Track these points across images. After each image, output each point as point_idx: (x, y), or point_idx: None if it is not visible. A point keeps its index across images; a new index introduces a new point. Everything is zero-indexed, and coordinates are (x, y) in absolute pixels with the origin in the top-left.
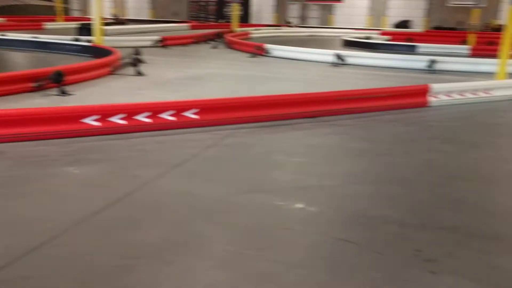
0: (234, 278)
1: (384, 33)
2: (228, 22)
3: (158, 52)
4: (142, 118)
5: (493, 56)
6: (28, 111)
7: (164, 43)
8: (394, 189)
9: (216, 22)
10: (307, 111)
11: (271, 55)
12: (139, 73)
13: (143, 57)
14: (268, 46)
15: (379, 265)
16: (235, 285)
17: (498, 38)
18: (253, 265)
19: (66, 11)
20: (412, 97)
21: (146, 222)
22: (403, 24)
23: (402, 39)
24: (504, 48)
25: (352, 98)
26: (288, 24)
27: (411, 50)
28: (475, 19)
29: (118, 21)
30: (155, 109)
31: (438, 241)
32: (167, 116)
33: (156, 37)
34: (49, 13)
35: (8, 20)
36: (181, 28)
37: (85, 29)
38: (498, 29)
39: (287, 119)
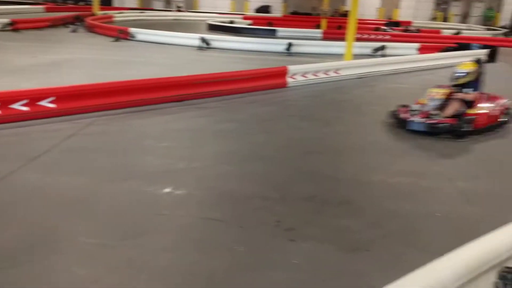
0: (97, 271)
1: (246, 18)
2: (89, 4)
3: (8, 37)
4: None
5: (342, 39)
6: None
7: (15, 26)
8: (257, 167)
9: (75, 4)
10: (174, 95)
11: (135, 39)
12: None
13: None
14: (133, 30)
15: (244, 239)
16: (98, 278)
17: (346, 23)
18: (118, 255)
19: None
20: (272, 79)
21: None
22: (264, 9)
23: (263, 23)
24: (349, 32)
25: (217, 81)
26: (179, 9)
27: (271, 34)
28: (326, 5)
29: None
30: (3, 99)
31: (296, 211)
32: (19, 106)
33: (5, 20)
34: None
35: None
36: (35, 10)
37: None
38: (345, 14)
39: (153, 104)
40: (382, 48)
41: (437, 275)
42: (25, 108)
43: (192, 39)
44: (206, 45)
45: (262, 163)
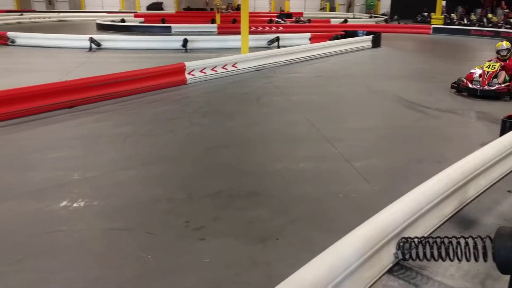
0: None
1: (137, 16)
2: None
3: None
4: None
5: (237, 33)
6: None
7: None
8: (161, 168)
9: None
10: (63, 101)
11: (16, 44)
12: None
13: None
14: (11, 33)
15: (152, 245)
16: None
17: (240, 16)
18: (8, 281)
19: None
20: (170, 76)
21: None
22: (155, 6)
23: (156, 20)
24: (243, 25)
25: (112, 82)
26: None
27: (165, 31)
28: (219, 0)
29: None
30: None
31: (204, 209)
32: None
33: None
34: None
35: None
36: None
37: None
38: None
39: (40, 113)
40: (277, 39)
41: (341, 254)
42: None
43: (80, 40)
44: (96, 46)
45: (164, 164)
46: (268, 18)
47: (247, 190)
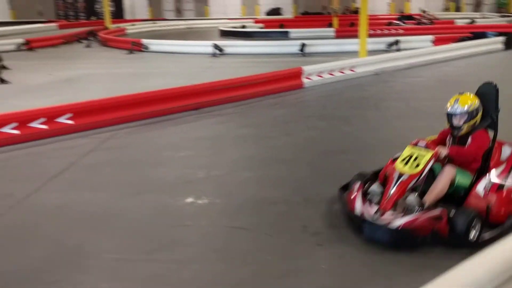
0: (124, 286)
1: (257, 21)
2: (101, 19)
3: (24, 56)
4: (8, 130)
5: (355, 36)
6: None
7: (29, 45)
8: (278, 170)
9: (87, 19)
10: (190, 103)
11: (149, 50)
12: (2, 81)
13: (6, 62)
14: (146, 41)
15: (270, 247)
16: None
17: (358, 19)
18: (143, 270)
19: None
20: (288, 80)
21: (22, 244)
22: (274, 11)
23: (275, 25)
24: (361, 28)
25: (233, 86)
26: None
27: (283, 35)
28: (336, 4)
29: None
30: (22, 119)
31: (321, 214)
32: (37, 124)
33: (19, 40)
34: None
35: None
36: (48, 29)
37: None
38: (357, 11)
39: (169, 114)
40: (396, 42)
41: (472, 274)
42: (43, 126)
43: (205, 46)
44: (219, 51)
45: (283, 167)
46: (387, 21)
47: None
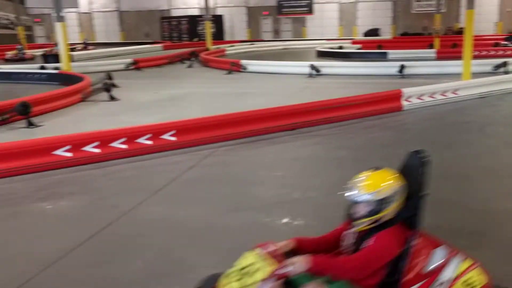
0: None
1: (355, 42)
2: (202, 40)
3: (132, 75)
4: (118, 144)
5: (458, 57)
6: None
7: (137, 65)
8: None
9: (190, 41)
10: (286, 123)
11: (247, 70)
12: (112, 98)
13: (116, 81)
14: (244, 61)
15: None
16: None
17: (461, 40)
18: None
19: (31, 38)
20: (386, 102)
21: (127, 254)
22: (372, 32)
23: (373, 47)
24: (466, 49)
25: (330, 107)
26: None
27: (381, 56)
28: (438, 24)
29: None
30: (130, 134)
31: None
32: (143, 140)
33: (128, 60)
34: (12, 41)
35: None
36: (154, 49)
37: (51, 56)
38: (460, 32)
39: (266, 134)
40: (504, 64)
41: None
42: (149, 142)
43: (301, 67)
44: (316, 72)
45: None
46: (494, 41)
47: (470, 228)
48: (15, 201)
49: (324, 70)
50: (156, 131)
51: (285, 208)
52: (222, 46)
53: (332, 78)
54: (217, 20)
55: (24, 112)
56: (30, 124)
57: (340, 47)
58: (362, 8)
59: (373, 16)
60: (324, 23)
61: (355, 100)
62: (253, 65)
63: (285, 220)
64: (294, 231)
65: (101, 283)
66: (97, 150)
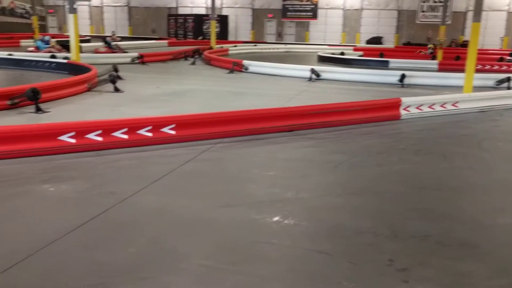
0: None
1: (356, 49)
2: (206, 39)
3: (137, 69)
4: (119, 134)
5: (460, 70)
6: (3, 129)
7: (142, 59)
8: (368, 201)
9: (194, 39)
10: (284, 125)
11: (248, 71)
12: (117, 90)
13: (121, 73)
14: (246, 62)
15: (353, 275)
16: None
17: (465, 53)
18: (228, 280)
19: (44, 28)
20: (384, 111)
21: (121, 239)
22: (375, 40)
23: (374, 54)
24: (469, 63)
25: (327, 112)
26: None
27: (383, 65)
28: (442, 35)
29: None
30: (131, 125)
31: (409, 250)
32: (144, 132)
33: (134, 54)
34: (26, 30)
35: None
36: (159, 45)
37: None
38: (465, 44)
39: (263, 134)
40: (508, 79)
41: None
42: (149, 134)
43: (302, 70)
44: (316, 76)
45: (372, 197)
46: (499, 56)
47: (460, 240)
48: (20, 181)
49: (324, 75)
50: (156, 124)
51: (277, 206)
52: (225, 45)
53: (331, 83)
54: (223, 20)
55: (34, 98)
56: (38, 110)
57: (342, 53)
58: (367, 15)
59: (377, 24)
60: (327, 29)
61: (353, 106)
62: (254, 66)
63: (276, 218)
64: (284, 230)
65: (93, 267)
66: (99, 138)
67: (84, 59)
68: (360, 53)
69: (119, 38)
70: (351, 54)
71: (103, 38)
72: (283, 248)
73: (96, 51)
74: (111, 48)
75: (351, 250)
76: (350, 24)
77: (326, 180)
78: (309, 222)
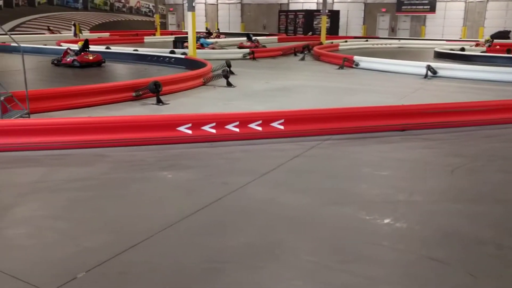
0: None
1: (478, 44)
2: (316, 34)
3: (248, 64)
4: (231, 127)
5: None
6: (128, 119)
7: (253, 55)
8: (492, 209)
9: (304, 34)
10: (396, 124)
11: (359, 67)
12: (229, 84)
13: (233, 69)
14: (357, 58)
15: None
16: None
17: None
18: (335, 278)
19: (164, 25)
20: (510, 112)
21: (233, 228)
22: (501, 34)
23: (500, 50)
24: None
25: (445, 111)
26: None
27: (510, 62)
28: None
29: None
30: (243, 119)
31: None
32: (254, 126)
33: (245, 50)
34: (148, 27)
35: (111, 35)
36: (270, 41)
37: (180, 43)
38: None
39: (374, 132)
40: None
41: None
42: (258, 128)
43: (417, 67)
44: (432, 73)
45: (496, 206)
46: None
47: None
48: (143, 167)
49: (441, 72)
50: (266, 119)
51: (388, 208)
52: (335, 41)
53: (450, 81)
54: (333, 15)
55: (155, 91)
56: (159, 102)
57: (462, 49)
58: (492, 7)
59: (505, 17)
60: (446, 23)
61: (474, 106)
62: (365, 61)
63: (387, 221)
64: (396, 233)
65: (206, 252)
66: (213, 131)
67: (199, 54)
68: (483, 49)
69: (223, 36)
70: (473, 50)
71: (246, 34)
72: (395, 251)
73: (240, 45)
74: (253, 42)
75: (471, 260)
76: (473, 17)
77: (442, 184)
78: (422, 227)
